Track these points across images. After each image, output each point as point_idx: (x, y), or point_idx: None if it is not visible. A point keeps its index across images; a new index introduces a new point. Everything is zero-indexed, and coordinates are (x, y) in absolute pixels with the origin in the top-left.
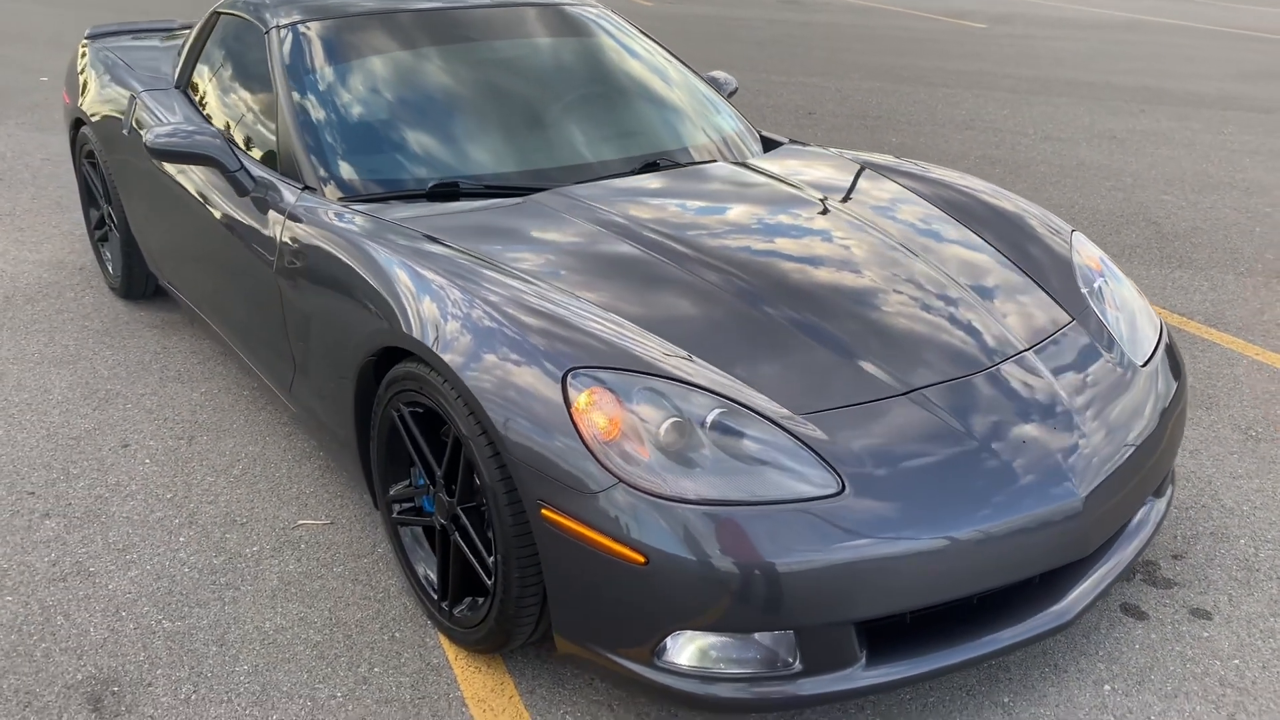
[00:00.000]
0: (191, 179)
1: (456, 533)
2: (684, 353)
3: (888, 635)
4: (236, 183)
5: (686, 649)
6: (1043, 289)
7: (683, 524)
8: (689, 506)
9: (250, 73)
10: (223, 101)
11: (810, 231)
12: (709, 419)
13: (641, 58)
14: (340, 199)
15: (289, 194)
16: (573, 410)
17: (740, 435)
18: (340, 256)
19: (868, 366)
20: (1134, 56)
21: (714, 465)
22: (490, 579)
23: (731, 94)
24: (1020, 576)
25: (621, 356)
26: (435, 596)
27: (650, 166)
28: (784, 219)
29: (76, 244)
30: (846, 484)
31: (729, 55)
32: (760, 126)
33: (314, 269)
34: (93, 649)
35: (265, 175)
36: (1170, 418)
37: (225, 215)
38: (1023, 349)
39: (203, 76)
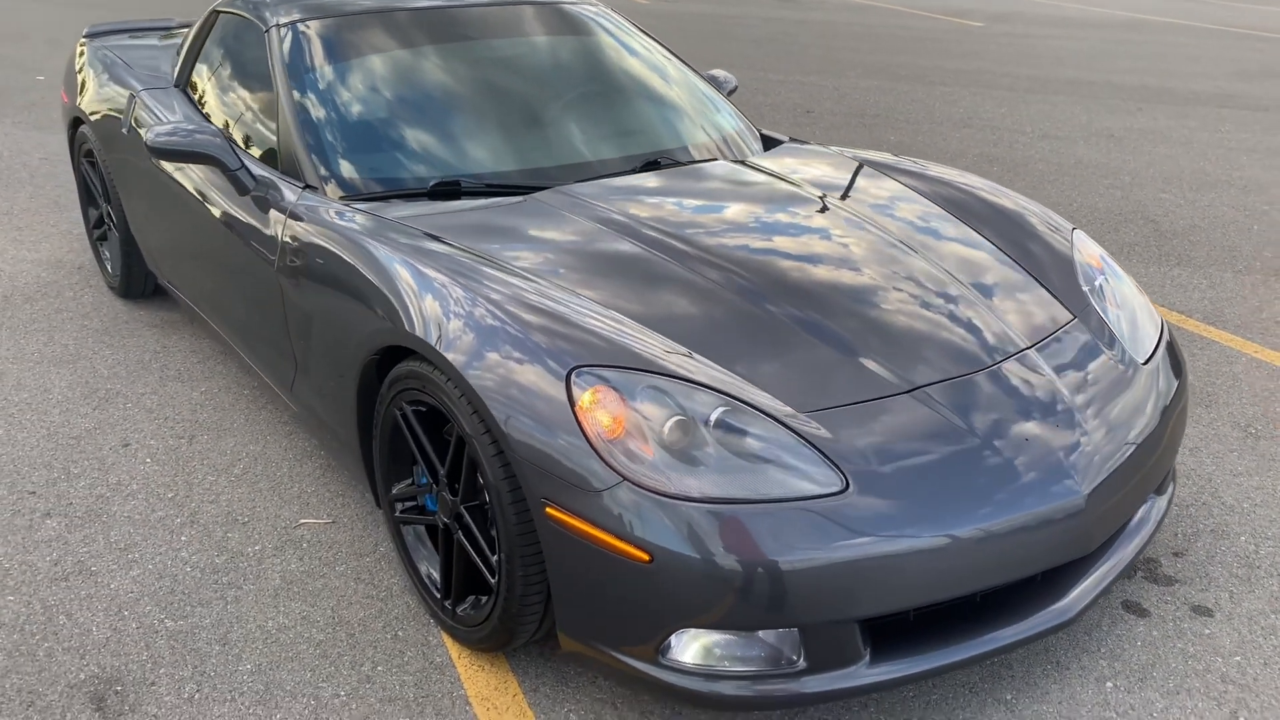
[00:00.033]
0: (191, 178)
1: (460, 531)
2: (684, 350)
3: (891, 633)
4: (237, 181)
5: (691, 647)
6: (1044, 287)
7: (687, 522)
8: (693, 505)
9: (250, 71)
10: (222, 100)
11: (812, 229)
12: (712, 417)
13: (642, 56)
14: (341, 198)
15: (290, 193)
16: (577, 409)
17: (744, 433)
18: (342, 255)
19: (870, 364)
20: (1132, 55)
21: (718, 463)
22: (494, 577)
23: (731, 92)
24: (1023, 574)
25: (622, 354)
26: (438, 595)
27: (651, 165)
28: (785, 217)
29: (75, 243)
30: (850, 482)
31: (726, 53)
32: (758, 125)
33: (315, 268)
34: (95, 648)
35: (266, 174)
36: (1171, 415)
37: (226, 214)
38: (1024, 347)
39: (202, 75)
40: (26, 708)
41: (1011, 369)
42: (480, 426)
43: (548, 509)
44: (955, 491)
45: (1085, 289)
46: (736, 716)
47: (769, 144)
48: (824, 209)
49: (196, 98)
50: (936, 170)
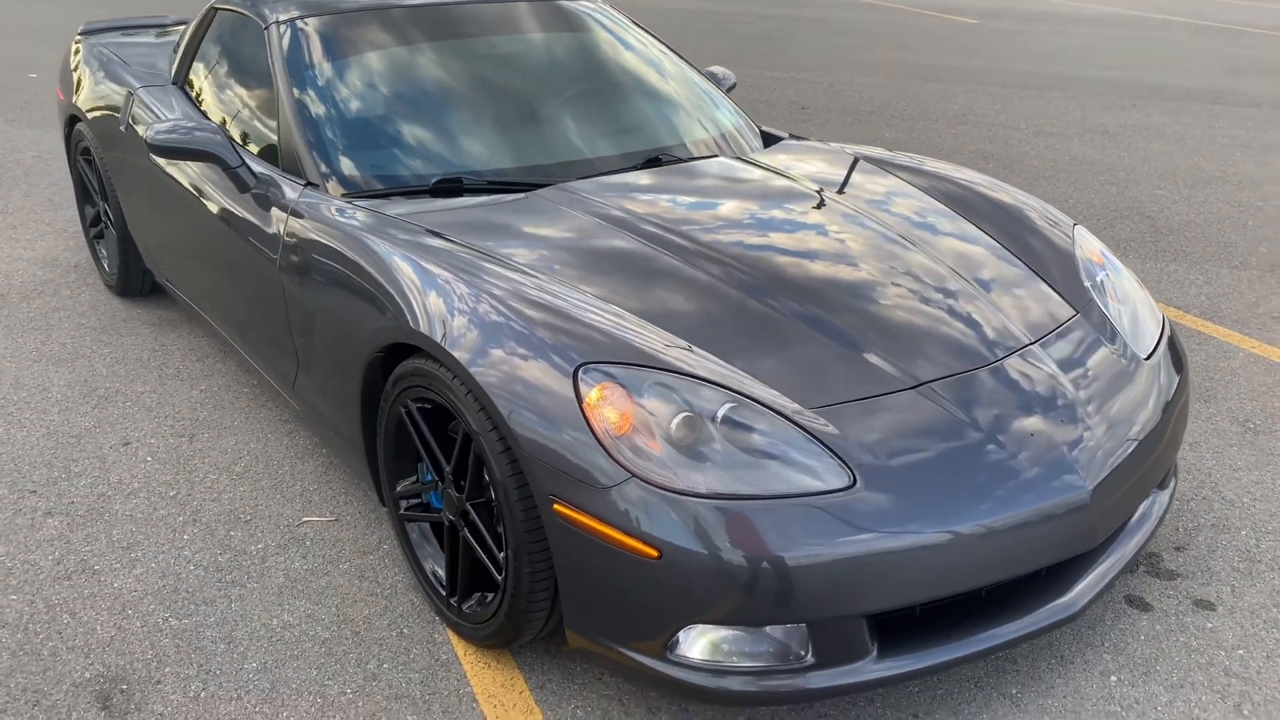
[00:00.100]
0: (190, 175)
1: (466, 528)
2: (684, 343)
3: (897, 628)
4: (237, 179)
5: (699, 642)
6: (1045, 282)
7: (694, 518)
8: (700, 500)
9: (249, 68)
10: (221, 97)
11: (812, 225)
12: (720, 414)
13: (642, 53)
14: (343, 195)
15: (291, 190)
16: (584, 405)
17: (750, 430)
18: (345, 252)
19: (874, 359)
20: (1124, 51)
21: (725, 459)
22: (500, 574)
23: (730, 89)
24: (1029, 569)
25: (623, 348)
26: (444, 592)
27: (652, 162)
28: (786, 213)
29: (70, 241)
30: (858, 478)
31: (721, 50)
32: (754, 122)
33: (318, 265)
34: (100, 647)
35: (266, 171)
36: (1174, 411)
37: (226, 212)
38: (1028, 342)
39: (200, 73)
40: (32, 707)
41: (1016, 365)
42: (487, 423)
43: (555, 505)
44: (962, 487)
45: (1087, 284)
46: (743, 712)
47: (769, 141)
48: (824, 204)
49: (194, 95)
50: (934, 166)
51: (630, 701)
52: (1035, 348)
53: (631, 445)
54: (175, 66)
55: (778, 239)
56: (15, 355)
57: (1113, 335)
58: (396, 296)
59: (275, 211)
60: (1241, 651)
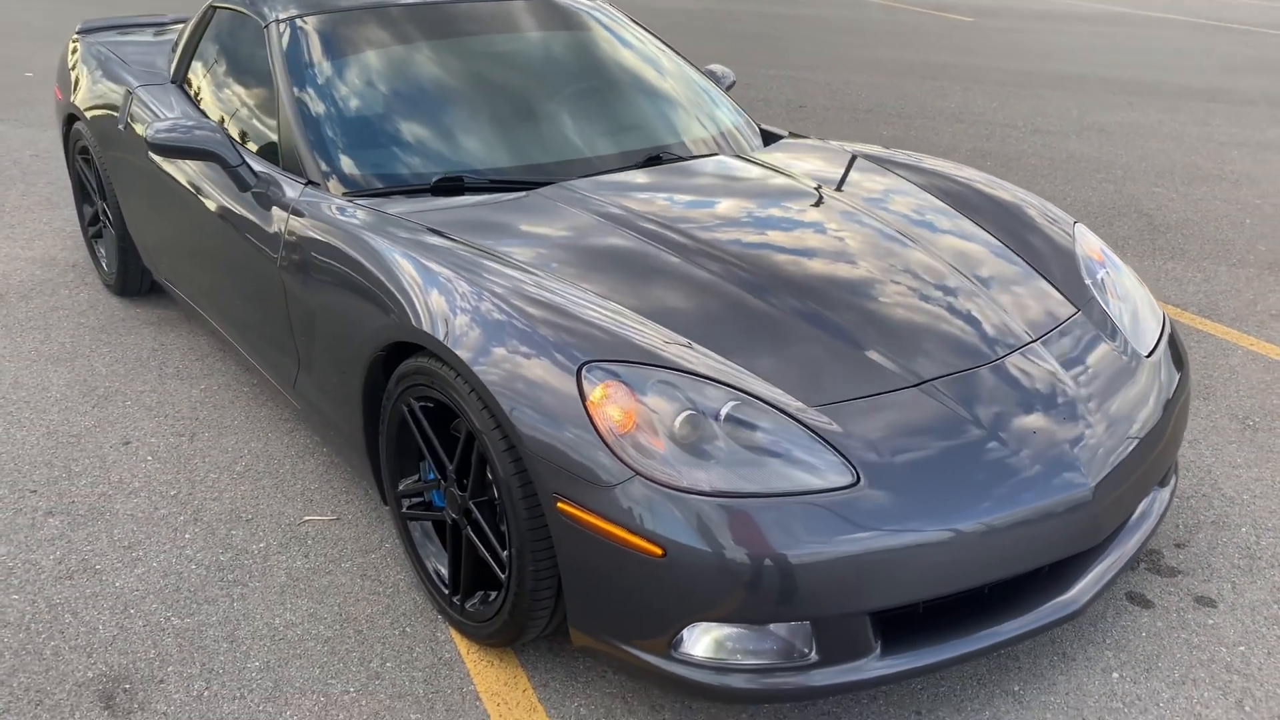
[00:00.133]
0: (189, 174)
1: (469, 527)
2: (684, 340)
3: (900, 626)
4: (238, 178)
5: (703, 640)
6: (1046, 280)
7: (698, 515)
8: (704, 498)
9: (249, 67)
10: (220, 96)
11: (813, 223)
12: (723, 412)
13: (642, 52)
14: (344, 194)
15: (291, 189)
16: (588, 403)
17: (754, 428)
18: (346, 251)
19: (875, 357)
20: (1120, 49)
21: (728, 457)
22: (504, 573)
23: (729, 87)
24: (1032, 566)
25: (623, 346)
26: (446, 591)
27: (652, 160)
28: (785, 211)
29: (69, 240)
30: (861, 476)
31: (718, 49)
32: (753, 120)
33: (319, 264)
34: (102, 646)
35: (267, 170)
36: (1174, 408)
37: (225, 210)
38: (1029, 340)
39: (199, 71)
40: (35, 706)
41: (1018, 362)
42: (490, 422)
43: (559, 503)
44: (965, 485)
45: (1088, 282)
46: (747, 710)
47: (768, 139)
48: (823, 202)
49: (193, 94)
50: (933, 163)
51: (634, 700)
52: (1036, 345)
53: (635, 443)
54: (174, 65)
55: (777, 237)
56: (14, 355)
57: (1113, 333)
58: (398, 295)
59: (276, 210)
60: (1243, 648)
